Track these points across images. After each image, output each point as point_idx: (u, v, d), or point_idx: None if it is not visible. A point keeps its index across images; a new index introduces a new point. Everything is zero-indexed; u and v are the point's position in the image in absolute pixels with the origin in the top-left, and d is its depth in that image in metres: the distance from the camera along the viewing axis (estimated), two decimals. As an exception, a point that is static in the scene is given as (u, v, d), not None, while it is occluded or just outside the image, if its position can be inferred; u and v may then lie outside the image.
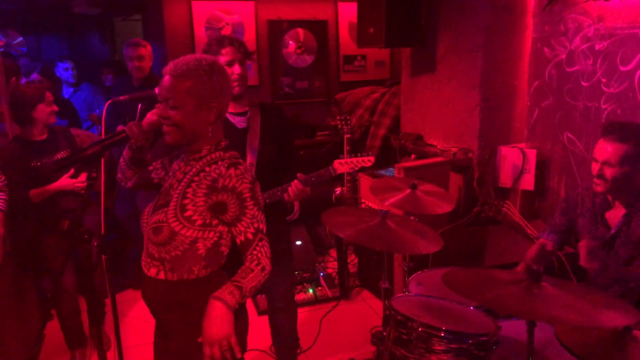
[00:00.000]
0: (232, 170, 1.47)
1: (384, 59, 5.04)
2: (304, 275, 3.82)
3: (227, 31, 4.41)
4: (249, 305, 3.58)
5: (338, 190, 3.90)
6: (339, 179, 3.90)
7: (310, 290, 3.69)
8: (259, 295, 3.59)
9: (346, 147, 3.78)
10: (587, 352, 1.39)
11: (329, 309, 3.53)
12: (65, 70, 4.13)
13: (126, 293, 3.76)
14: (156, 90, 1.67)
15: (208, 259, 1.51)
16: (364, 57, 4.96)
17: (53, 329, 3.08)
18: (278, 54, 4.68)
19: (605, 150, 1.98)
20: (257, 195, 1.51)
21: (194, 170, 1.53)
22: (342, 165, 2.24)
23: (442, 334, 1.54)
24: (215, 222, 1.49)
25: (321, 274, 3.84)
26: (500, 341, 1.60)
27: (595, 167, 2.03)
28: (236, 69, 2.16)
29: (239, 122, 2.28)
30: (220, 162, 1.50)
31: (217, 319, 1.39)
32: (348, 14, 4.73)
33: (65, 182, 2.67)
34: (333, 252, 4.16)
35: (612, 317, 1.20)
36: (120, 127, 2.77)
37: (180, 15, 4.35)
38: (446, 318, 1.65)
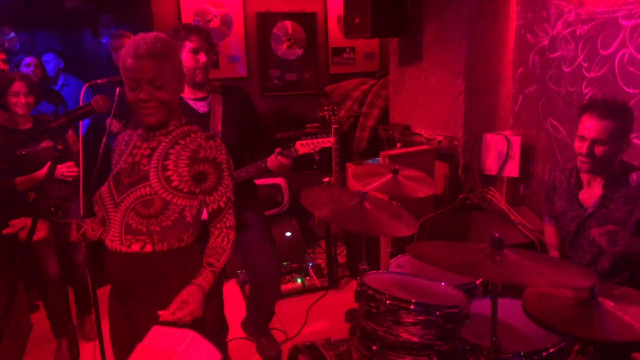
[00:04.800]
0: (211, 142, 1.57)
1: (373, 51, 5.05)
2: (293, 265, 3.84)
3: (215, 24, 4.43)
4: (237, 294, 3.59)
5: (327, 179, 3.92)
6: (328, 169, 3.92)
7: (299, 280, 3.70)
8: (247, 285, 3.60)
9: (334, 138, 3.80)
10: (553, 320, 1.40)
11: (316, 298, 3.54)
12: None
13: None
14: None
15: (194, 226, 1.59)
16: (353, 49, 4.96)
17: (40, 319, 3.10)
18: (267, 46, 4.69)
19: (595, 127, 1.92)
20: (231, 166, 1.61)
21: (163, 144, 1.58)
22: (303, 146, 2.33)
23: (412, 306, 1.55)
24: (197, 190, 1.56)
25: (310, 264, 3.85)
26: (470, 315, 1.61)
27: (583, 145, 1.97)
28: (201, 57, 2.24)
29: (200, 106, 2.33)
30: (194, 135, 1.59)
31: (192, 297, 1.46)
32: (336, 6, 4.73)
33: None
34: (323, 244, 4.17)
35: (573, 279, 1.21)
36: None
37: (168, 8, 4.36)
38: (416, 292, 1.66)
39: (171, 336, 1.47)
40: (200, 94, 2.34)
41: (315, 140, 2.32)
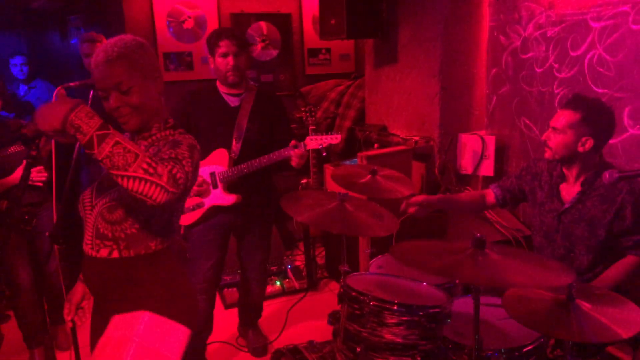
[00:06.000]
0: (177, 133, 1.56)
1: (349, 52, 5.06)
2: (272, 268, 3.81)
3: (189, 25, 4.37)
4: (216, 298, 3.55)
5: (304, 181, 3.91)
6: (305, 172, 3.91)
7: (278, 283, 3.68)
8: (225, 289, 3.58)
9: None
10: (533, 321, 1.43)
11: (296, 301, 3.52)
12: (14, 66, 3.98)
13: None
14: None
15: (164, 235, 1.54)
16: (328, 50, 4.97)
17: (12, 328, 3.00)
18: (242, 48, 4.65)
19: (557, 118, 2.03)
20: (194, 156, 1.45)
21: (141, 147, 1.52)
22: (312, 141, 2.48)
23: (395, 307, 1.56)
24: None
25: (289, 267, 3.84)
26: (452, 314, 1.62)
27: (545, 134, 2.08)
28: (230, 60, 2.39)
29: (232, 101, 2.50)
30: (171, 137, 1.54)
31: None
32: (312, 7, 4.73)
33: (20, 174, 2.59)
34: (302, 246, 4.16)
35: (554, 276, 1.23)
36: None
37: (140, 8, 4.28)
38: (399, 293, 1.67)
39: (126, 322, 1.41)
40: (235, 91, 2.50)
41: (323, 137, 2.49)
